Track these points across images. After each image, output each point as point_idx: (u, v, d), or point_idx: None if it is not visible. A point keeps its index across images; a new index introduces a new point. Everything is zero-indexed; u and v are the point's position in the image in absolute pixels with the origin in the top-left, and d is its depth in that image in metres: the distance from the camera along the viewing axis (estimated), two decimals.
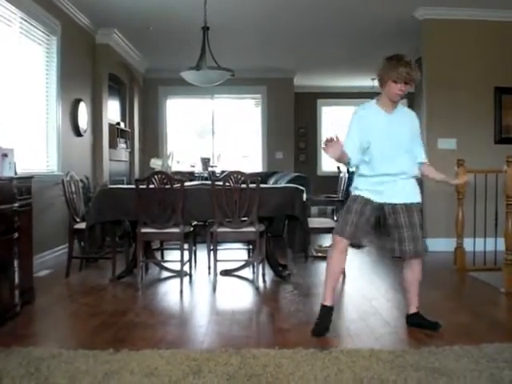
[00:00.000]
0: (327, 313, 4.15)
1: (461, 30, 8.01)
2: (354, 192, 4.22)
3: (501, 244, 5.75)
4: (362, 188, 4.17)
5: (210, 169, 8.36)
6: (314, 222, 6.29)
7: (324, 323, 4.11)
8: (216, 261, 5.71)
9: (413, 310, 4.32)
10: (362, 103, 4.33)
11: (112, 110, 9.83)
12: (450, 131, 7.98)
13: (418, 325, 4.24)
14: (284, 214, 6.03)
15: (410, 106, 13.47)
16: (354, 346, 3.83)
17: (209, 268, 6.45)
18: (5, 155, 4.53)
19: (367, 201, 4.13)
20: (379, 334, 4.14)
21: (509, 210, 5.49)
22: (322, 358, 3.50)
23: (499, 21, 7.96)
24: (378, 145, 4.08)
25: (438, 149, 7.96)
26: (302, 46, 10.26)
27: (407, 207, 4.14)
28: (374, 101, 4.28)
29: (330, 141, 3.80)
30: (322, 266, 6.90)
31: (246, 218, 5.59)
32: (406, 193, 4.15)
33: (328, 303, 4.17)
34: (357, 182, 4.25)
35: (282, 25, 8.74)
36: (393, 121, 4.17)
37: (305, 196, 5.97)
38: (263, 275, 6.06)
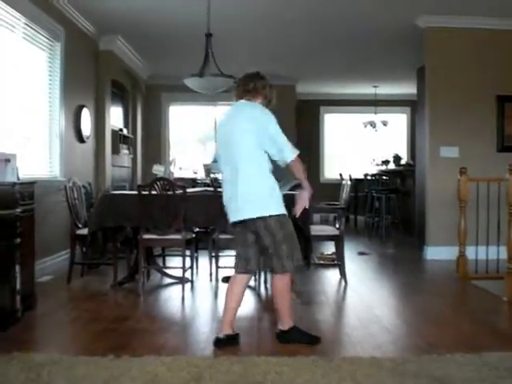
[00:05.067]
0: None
1: (463, 39, 8.02)
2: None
3: (503, 252, 5.75)
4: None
5: (212, 175, 8.36)
6: (316, 230, 6.28)
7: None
8: (218, 267, 5.72)
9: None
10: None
11: (115, 117, 9.84)
12: (452, 139, 7.98)
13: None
14: None
15: (412, 114, 13.53)
16: (356, 353, 3.83)
17: (210, 275, 6.45)
18: (7, 160, 4.54)
19: None
20: (380, 341, 4.13)
21: (511, 219, 5.48)
22: (323, 365, 3.49)
23: (502, 29, 7.95)
24: None
25: (440, 157, 7.96)
26: (304, 54, 10.27)
27: None
28: None
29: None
30: (324, 273, 6.91)
31: None
32: None
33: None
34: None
35: (285, 32, 8.76)
36: None
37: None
38: (265, 282, 6.06)
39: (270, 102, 4.19)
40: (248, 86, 4.13)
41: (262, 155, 4.00)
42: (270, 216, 3.92)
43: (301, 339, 4.02)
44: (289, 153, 4.00)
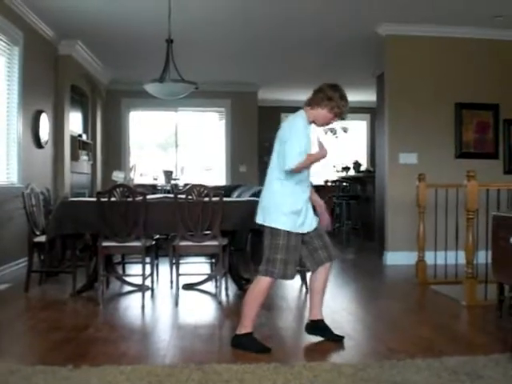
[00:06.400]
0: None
1: (422, 47, 8.14)
2: None
3: (461, 257, 5.82)
4: None
5: (172, 182, 8.33)
6: None
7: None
8: (178, 275, 5.67)
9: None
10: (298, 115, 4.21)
11: (74, 122, 9.73)
12: (411, 146, 8.07)
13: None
14: (247, 228, 6.02)
15: (372, 121, 13.65)
16: (316, 360, 3.83)
17: (171, 282, 6.40)
18: None
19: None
20: (341, 347, 4.14)
21: (469, 224, 5.55)
22: (284, 372, 3.49)
23: (460, 37, 8.10)
24: None
25: (399, 163, 8.05)
26: (266, 61, 10.31)
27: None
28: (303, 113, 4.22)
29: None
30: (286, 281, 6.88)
31: (208, 232, 5.57)
32: None
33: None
34: None
35: (247, 39, 8.78)
36: None
37: None
38: (226, 289, 6.04)
39: (336, 116, 4.19)
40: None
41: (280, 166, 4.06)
42: (267, 225, 4.08)
43: (249, 347, 4.01)
44: (288, 161, 3.94)
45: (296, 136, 3.98)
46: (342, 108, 4.13)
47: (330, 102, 4.11)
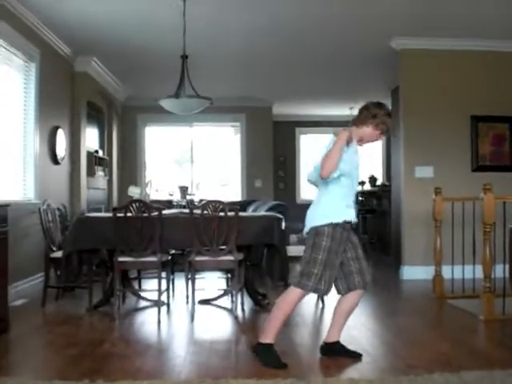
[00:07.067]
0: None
1: (437, 60, 8.12)
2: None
3: (479, 271, 5.77)
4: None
5: (188, 197, 8.34)
6: (293, 251, 6.27)
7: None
8: (194, 290, 5.66)
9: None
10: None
11: (90, 138, 9.77)
12: (427, 159, 8.04)
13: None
14: (263, 243, 6.01)
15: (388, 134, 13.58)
16: (334, 375, 3.80)
17: (187, 297, 6.39)
18: None
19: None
20: (358, 362, 4.11)
21: (486, 238, 5.51)
22: None
23: (474, 50, 8.08)
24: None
25: (415, 177, 8.02)
26: (280, 76, 10.32)
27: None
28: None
29: None
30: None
31: (224, 247, 5.56)
32: None
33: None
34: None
35: (261, 54, 8.81)
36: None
37: (283, 224, 5.96)
38: (242, 304, 6.02)
39: (382, 133, 4.38)
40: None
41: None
42: (311, 228, 4.11)
43: (267, 361, 3.97)
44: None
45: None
46: (388, 124, 4.24)
47: (375, 119, 4.20)
